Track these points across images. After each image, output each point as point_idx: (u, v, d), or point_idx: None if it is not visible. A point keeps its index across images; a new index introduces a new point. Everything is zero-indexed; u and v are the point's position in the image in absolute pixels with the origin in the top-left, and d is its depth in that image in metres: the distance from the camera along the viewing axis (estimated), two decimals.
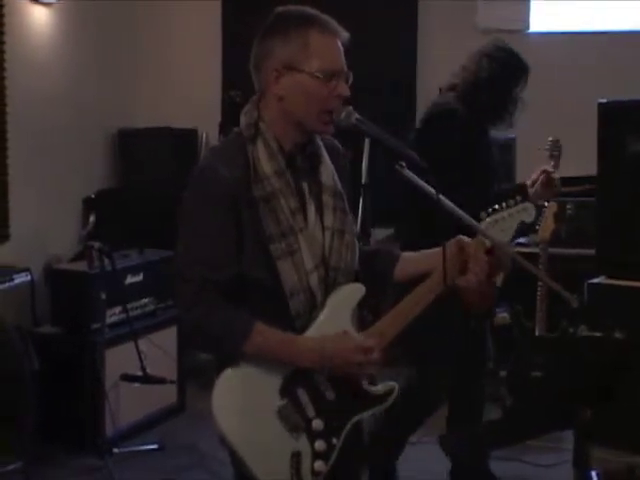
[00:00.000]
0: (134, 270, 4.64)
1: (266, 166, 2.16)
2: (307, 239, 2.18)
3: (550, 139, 3.72)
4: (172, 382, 4.54)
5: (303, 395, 2.16)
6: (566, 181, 3.82)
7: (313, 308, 2.19)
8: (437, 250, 2.28)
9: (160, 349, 4.58)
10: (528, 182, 3.61)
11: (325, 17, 2.20)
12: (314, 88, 2.15)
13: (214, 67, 6.31)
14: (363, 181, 3.84)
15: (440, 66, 5.99)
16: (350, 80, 2.21)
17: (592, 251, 3.94)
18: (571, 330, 3.83)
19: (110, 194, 5.77)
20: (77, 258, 5.02)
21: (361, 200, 3.83)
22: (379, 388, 2.26)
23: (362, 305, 2.25)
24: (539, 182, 3.58)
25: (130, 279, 4.61)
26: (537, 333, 3.96)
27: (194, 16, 6.37)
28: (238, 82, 4.72)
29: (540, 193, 3.58)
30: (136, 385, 4.36)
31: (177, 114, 6.09)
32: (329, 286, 2.21)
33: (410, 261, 2.38)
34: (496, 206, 2.32)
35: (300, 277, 2.15)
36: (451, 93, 3.64)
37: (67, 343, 4.34)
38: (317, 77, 2.14)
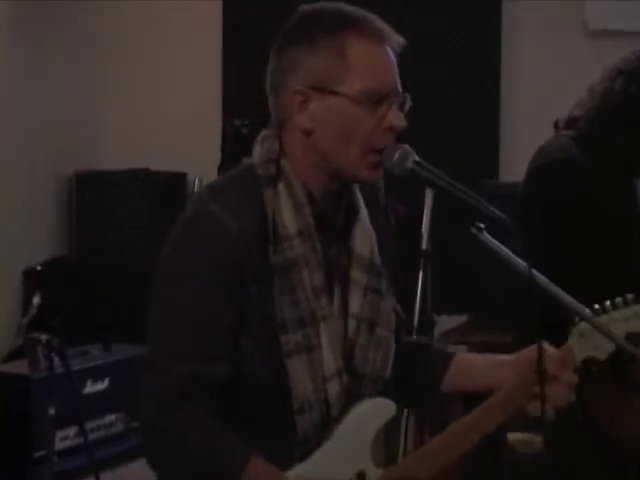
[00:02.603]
0: (96, 374, 4.65)
1: (289, 222, 2.17)
2: (330, 332, 2.20)
3: None
4: None
5: None
6: None
7: (324, 426, 2.19)
8: (508, 359, 2.30)
9: None
10: None
11: (370, 16, 2.21)
12: (356, 117, 2.16)
13: (212, 88, 6.36)
14: (424, 247, 3.85)
15: (531, 80, 6.09)
16: (407, 106, 2.22)
17: None
18: None
19: (62, 265, 5.81)
20: (15, 356, 5.03)
21: (421, 273, 3.83)
22: None
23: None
24: None
25: (90, 387, 4.62)
26: None
27: (188, 19, 6.41)
28: (244, 108, 4.74)
29: None
30: None
31: (158, 151, 6.13)
32: (350, 397, 2.22)
33: (469, 369, 2.37)
34: (596, 306, 2.31)
35: (317, 386, 2.16)
36: (568, 132, 3.51)
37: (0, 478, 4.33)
38: (360, 102, 2.15)
